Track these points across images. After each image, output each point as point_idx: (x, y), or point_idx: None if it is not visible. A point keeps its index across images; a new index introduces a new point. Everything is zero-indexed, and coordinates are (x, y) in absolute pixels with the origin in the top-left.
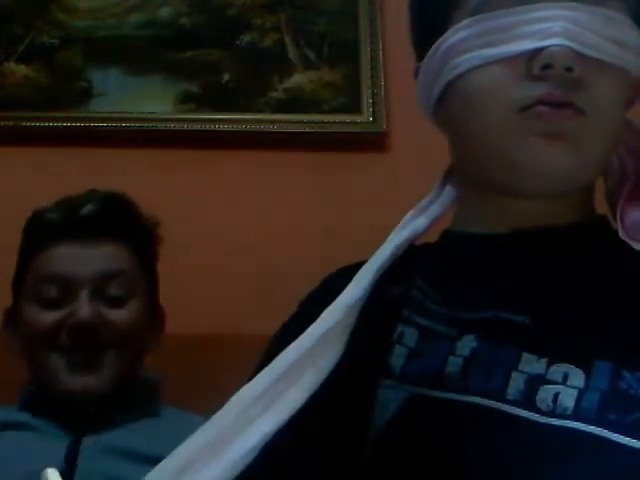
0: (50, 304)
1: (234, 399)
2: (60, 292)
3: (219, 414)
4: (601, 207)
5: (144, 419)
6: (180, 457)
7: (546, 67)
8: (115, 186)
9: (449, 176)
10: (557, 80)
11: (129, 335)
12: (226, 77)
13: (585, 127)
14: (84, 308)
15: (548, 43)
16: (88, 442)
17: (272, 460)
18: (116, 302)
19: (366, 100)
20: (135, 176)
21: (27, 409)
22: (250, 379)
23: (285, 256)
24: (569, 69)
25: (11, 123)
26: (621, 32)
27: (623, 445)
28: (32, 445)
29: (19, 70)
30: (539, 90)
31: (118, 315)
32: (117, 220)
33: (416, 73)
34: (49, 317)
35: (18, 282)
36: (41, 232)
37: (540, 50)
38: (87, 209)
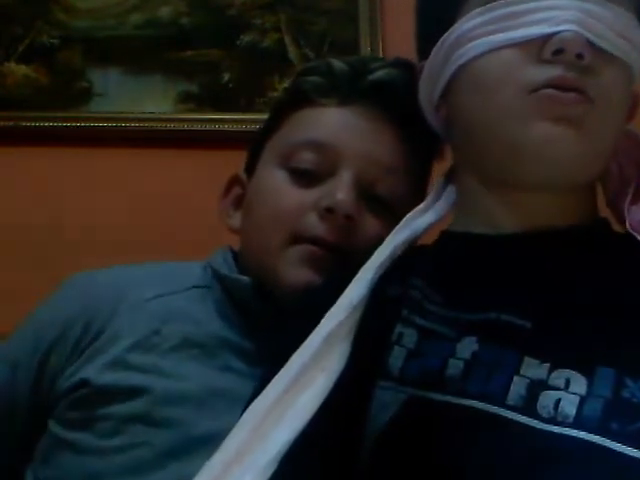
0: (300, 177)
1: (247, 414)
2: (316, 164)
3: (234, 431)
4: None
5: None
6: (203, 478)
7: (557, 52)
8: (115, 186)
9: (448, 179)
10: (568, 66)
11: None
12: (226, 77)
13: (593, 115)
14: (344, 190)
15: (561, 28)
16: None
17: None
18: (376, 205)
19: None
20: (135, 176)
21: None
22: (260, 390)
23: None
24: (580, 56)
25: (11, 123)
26: (629, 29)
27: (625, 455)
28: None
29: (19, 70)
30: (551, 73)
31: (372, 225)
32: (408, 104)
33: (419, 72)
34: (296, 195)
35: (261, 141)
36: (312, 84)
37: (552, 35)
38: (381, 74)
